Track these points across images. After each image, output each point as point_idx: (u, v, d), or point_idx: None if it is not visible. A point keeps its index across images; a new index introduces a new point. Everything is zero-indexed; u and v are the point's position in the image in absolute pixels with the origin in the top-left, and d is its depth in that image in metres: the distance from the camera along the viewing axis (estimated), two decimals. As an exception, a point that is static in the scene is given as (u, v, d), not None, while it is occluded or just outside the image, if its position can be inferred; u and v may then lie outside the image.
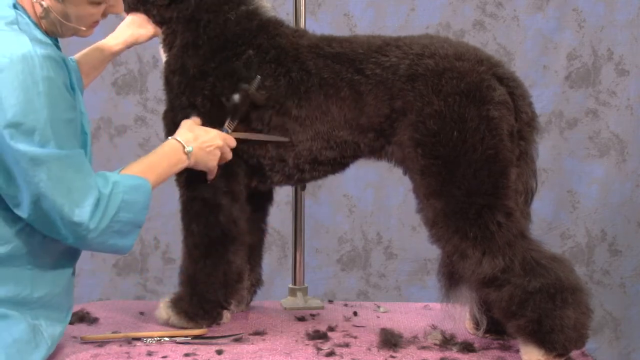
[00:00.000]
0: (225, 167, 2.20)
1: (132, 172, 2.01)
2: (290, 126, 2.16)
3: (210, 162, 2.15)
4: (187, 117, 2.19)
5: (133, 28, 2.27)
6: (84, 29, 2.00)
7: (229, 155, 2.18)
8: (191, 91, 2.20)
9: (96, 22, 2.03)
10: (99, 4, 1.98)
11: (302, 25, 2.55)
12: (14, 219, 1.91)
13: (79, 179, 1.88)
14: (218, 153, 2.15)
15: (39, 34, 1.93)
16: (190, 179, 2.22)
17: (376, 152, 2.19)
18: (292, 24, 2.52)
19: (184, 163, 2.11)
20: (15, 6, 1.94)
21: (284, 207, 3.37)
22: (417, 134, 2.07)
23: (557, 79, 3.51)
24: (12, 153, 1.83)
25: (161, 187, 3.39)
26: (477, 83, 2.07)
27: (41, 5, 1.94)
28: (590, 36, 3.49)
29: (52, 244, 1.97)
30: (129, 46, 2.28)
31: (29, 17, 1.94)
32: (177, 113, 2.21)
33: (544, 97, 3.49)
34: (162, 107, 2.31)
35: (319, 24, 3.40)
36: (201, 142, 2.12)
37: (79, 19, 1.98)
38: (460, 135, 2.04)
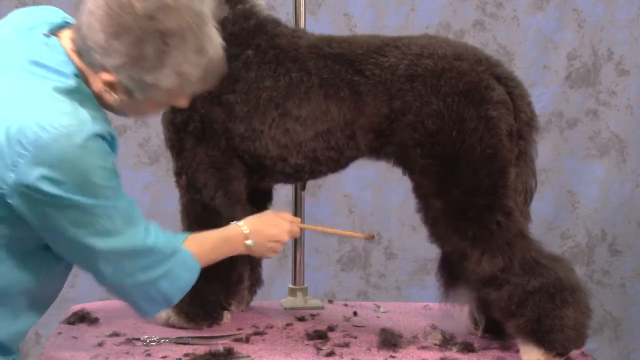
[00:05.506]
0: (225, 170, 2.20)
1: (194, 245, 1.94)
2: (290, 126, 2.16)
3: (267, 254, 2.13)
4: (185, 118, 2.19)
5: None
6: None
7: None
8: (189, 92, 2.19)
9: None
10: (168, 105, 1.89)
11: (302, 25, 2.54)
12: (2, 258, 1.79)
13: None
14: (280, 248, 2.11)
15: (96, 110, 1.80)
16: (191, 181, 2.22)
17: (375, 152, 2.19)
18: (292, 24, 2.51)
19: (239, 252, 2.08)
20: (77, 76, 1.77)
21: (284, 207, 3.36)
22: (416, 134, 2.08)
23: (557, 79, 3.50)
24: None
25: (161, 187, 3.42)
26: (476, 83, 2.07)
27: (112, 96, 1.81)
28: (590, 36, 3.49)
29: (32, 292, 1.84)
30: None
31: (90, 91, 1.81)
32: (175, 114, 2.21)
33: (544, 97, 3.48)
34: (162, 108, 2.30)
35: (319, 24, 3.39)
36: (266, 237, 2.08)
37: (146, 114, 1.92)
38: (459, 135, 2.04)
